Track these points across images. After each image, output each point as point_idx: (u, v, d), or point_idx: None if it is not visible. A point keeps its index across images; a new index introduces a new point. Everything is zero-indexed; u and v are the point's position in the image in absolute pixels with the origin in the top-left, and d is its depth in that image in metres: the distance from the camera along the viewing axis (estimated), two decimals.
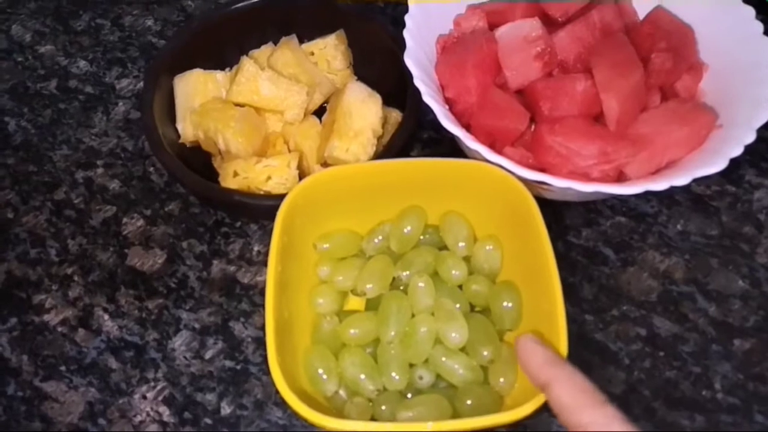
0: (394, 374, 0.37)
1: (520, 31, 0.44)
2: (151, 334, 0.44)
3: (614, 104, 0.41)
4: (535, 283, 0.37)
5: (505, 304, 0.39)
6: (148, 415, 0.42)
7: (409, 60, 0.43)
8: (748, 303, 0.44)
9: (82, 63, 0.58)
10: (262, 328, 0.43)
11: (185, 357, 0.43)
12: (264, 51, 0.51)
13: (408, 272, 0.40)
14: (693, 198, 0.48)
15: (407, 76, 0.43)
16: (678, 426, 0.40)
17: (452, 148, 0.47)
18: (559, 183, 0.38)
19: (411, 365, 0.38)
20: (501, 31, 0.45)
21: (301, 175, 0.47)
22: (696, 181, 0.38)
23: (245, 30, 0.51)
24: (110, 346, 0.44)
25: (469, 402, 0.36)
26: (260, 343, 0.44)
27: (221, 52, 0.51)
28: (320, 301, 0.40)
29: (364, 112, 0.46)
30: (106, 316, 0.45)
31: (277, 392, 0.33)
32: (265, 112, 0.49)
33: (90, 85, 0.57)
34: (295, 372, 0.36)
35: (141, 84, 0.56)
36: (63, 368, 0.43)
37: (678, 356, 0.42)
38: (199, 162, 0.48)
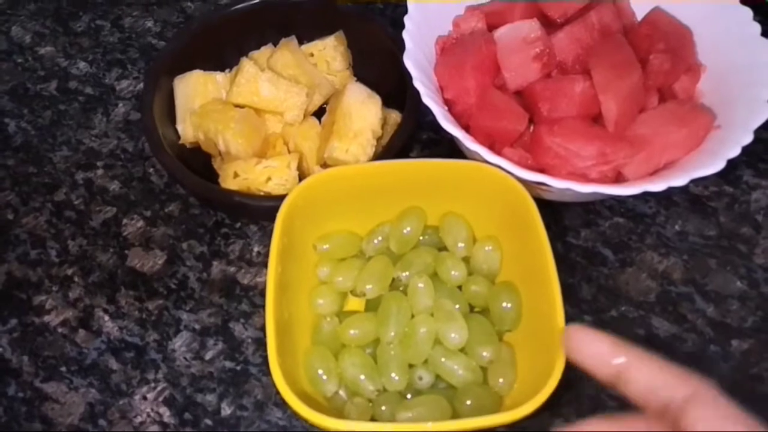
0: (393, 375, 0.37)
1: (519, 32, 0.44)
2: (151, 335, 0.44)
3: (613, 105, 0.41)
4: (534, 283, 0.37)
5: (504, 304, 0.39)
6: (148, 416, 0.42)
7: (409, 61, 0.43)
8: (746, 304, 0.44)
9: (82, 64, 0.58)
10: (262, 329, 0.43)
11: (185, 358, 0.44)
12: (264, 52, 0.52)
13: (407, 273, 0.40)
14: (691, 199, 0.48)
15: (406, 77, 0.43)
16: None
17: (451, 149, 0.47)
18: (557, 184, 0.38)
19: (410, 366, 0.38)
20: (500, 33, 0.45)
21: (301, 176, 0.47)
22: (694, 181, 0.38)
23: (245, 31, 0.51)
24: (110, 347, 0.44)
25: (468, 402, 0.36)
26: (260, 343, 0.44)
27: (221, 53, 0.51)
28: (320, 302, 0.41)
29: (364, 113, 0.46)
30: (107, 317, 0.45)
31: (278, 393, 0.33)
32: (265, 114, 0.49)
33: (90, 86, 0.57)
34: (295, 373, 0.37)
35: (141, 85, 0.56)
36: (63, 369, 0.44)
37: (676, 357, 0.42)
38: (199, 163, 0.48)
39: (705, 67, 0.46)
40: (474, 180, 0.40)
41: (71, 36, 0.60)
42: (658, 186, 0.38)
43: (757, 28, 0.44)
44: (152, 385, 0.43)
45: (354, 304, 0.42)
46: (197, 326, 0.45)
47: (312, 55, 0.52)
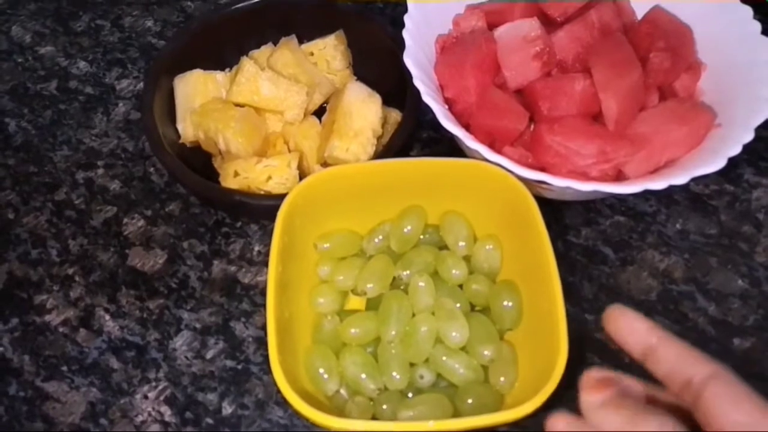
0: (394, 373, 0.37)
1: (519, 31, 0.44)
2: (152, 334, 0.44)
3: (613, 104, 0.41)
4: (535, 282, 0.37)
5: (505, 303, 0.39)
6: (149, 415, 0.42)
7: (409, 60, 0.43)
8: (748, 302, 0.44)
9: (82, 64, 0.58)
10: (263, 328, 0.43)
11: (186, 357, 0.44)
12: (264, 51, 0.52)
13: (408, 272, 0.40)
14: (692, 197, 0.48)
15: (407, 76, 0.43)
16: None
17: (452, 148, 0.47)
18: (558, 182, 0.38)
19: (412, 364, 0.38)
20: (500, 31, 0.45)
21: (302, 175, 0.47)
22: (694, 180, 0.38)
23: (245, 30, 0.51)
24: (111, 346, 0.44)
25: (469, 401, 0.36)
26: (261, 342, 0.44)
27: (221, 52, 0.51)
28: (321, 301, 0.41)
29: (364, 112, 0.46)
30: (108, 317, 0.45)
31: (279, 392, 0.33)
32: (265, 113, 0.49)
33: (90, 85, 0.57)
34: (296, 371, 0.37)
35: (141, 85, 0.56)
36: (64, 368, 0.44)
37: None
38: (200, 162, 0.48)
39: (705, 65, 0.46)
40: (474, 179, 0.40)
41: (71, 36, 0.60)
42: (658, 184, 0.38)
43: (757, 26, 0.44)
44: (153, 384, 0.43)
45: (355, 303, 0.42)
46: (198, 325, 0.45)
47: (312, 54, 0.52)
